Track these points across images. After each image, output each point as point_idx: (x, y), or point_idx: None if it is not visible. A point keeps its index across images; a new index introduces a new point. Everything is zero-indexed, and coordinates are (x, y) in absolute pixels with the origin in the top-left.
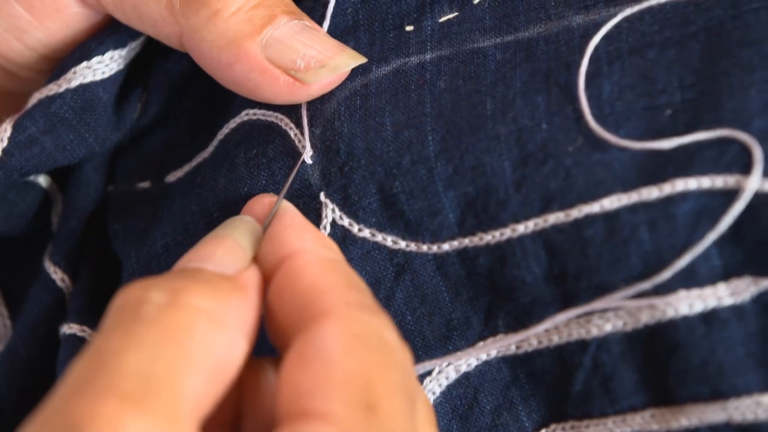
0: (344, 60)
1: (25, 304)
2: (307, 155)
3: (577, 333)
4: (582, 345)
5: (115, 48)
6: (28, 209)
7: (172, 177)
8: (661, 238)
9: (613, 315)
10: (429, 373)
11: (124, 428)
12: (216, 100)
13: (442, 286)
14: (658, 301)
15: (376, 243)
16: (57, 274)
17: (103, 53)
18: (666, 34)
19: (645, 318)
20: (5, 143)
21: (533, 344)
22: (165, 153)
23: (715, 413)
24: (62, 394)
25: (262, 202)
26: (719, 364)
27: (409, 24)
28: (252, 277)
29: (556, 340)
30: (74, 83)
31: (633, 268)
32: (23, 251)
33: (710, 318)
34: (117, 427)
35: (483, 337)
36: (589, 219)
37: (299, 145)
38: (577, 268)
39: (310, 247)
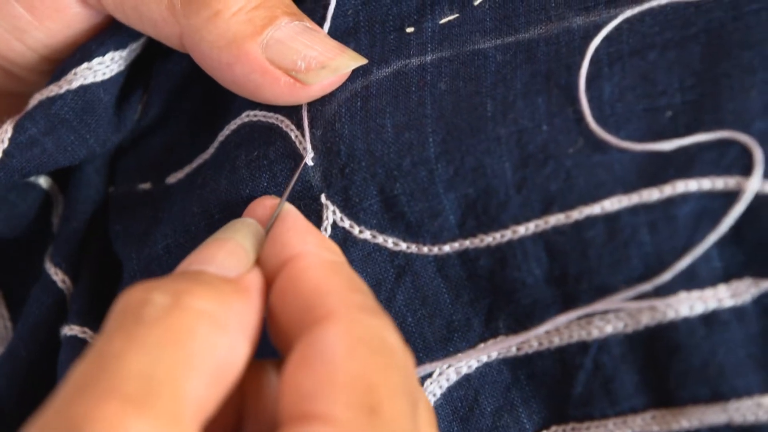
0: (345, 61)
1: (26, 306)
2: (309, 158)
3: (578, 335)
4: (583, 346)
5: (116, 49)
6: (29, 210)
7: (172, 178)
8: (661, 239)
9: (613, 316)
10: (429, 375)
11: (125, 430)
12: (216, 101)
13: (442, 287)
14: (659, 303)
15: (376, 245)
16: (58, 276)
17: (103, 54)
18: (666, 35)
19: (646, 319)
20: (6, 144)
21: (534, 346)
22: (165, 154)
23: (715, 415)
24: (64, 395)
25: (264, 204)
26: (720, 366)
27: (409, 25)
28: (254, 280)
29: (556, 341)
30: (75, 84)
31: (633, 269)
32: (24, 252)
33: (711, 319)
34: (119, 429)
35: (484, 339)
36: (590, 220)
37: (300, 147)
38: (578, 269)
39: (312, 249)
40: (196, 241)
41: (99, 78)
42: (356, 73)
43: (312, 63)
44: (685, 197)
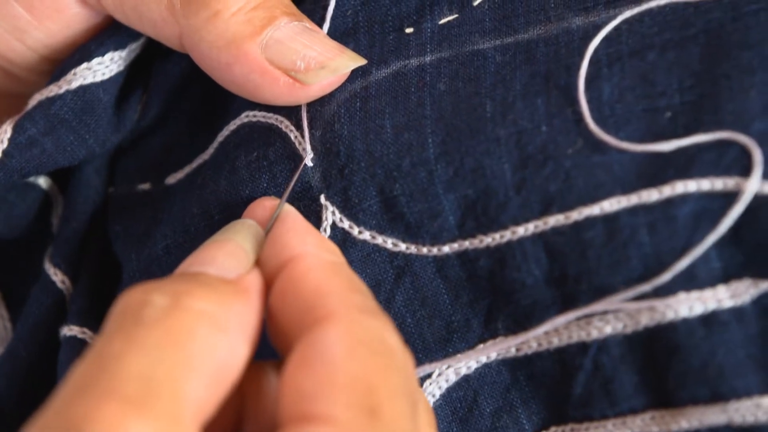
0: (344, 61)
1: (26, 306)
2: (308, 158)
3: (577, 335)
4: (582, 347)
5: (115, 49)
6: (29, 211)
7: (172, 179)
8: (660, 240)
9: (613, 317)
10: (429, 375)
11: (125, 431)
12: (215, 101)
13: (442, 288)
14: (658, 304)
15: (376, 245)
16: (57, 276)
17: (103, 54)
18: (666, 36)
19: (645, 320)
20: (5, 144)
21: (533, 347)
22: (165, 154)
23: (715, 415)
24: (63, 396)
25: (264, 205)
26: (719, 366)
27: (408, 26)
28: (254, 281)
29: (556, 342)
30: (74, 84)
31: (633, 270)
32: (23, 252)
33: (710, 320)
34: (118, 430)
35: (483, 340)
36: (589, 221)
37: (300, 148)
38: (577, 270)
39: (312, 250)
40: (196, 242)
41: (98, 78)
42: (355, 74)
43: (311, 63)
44: (684, 198)
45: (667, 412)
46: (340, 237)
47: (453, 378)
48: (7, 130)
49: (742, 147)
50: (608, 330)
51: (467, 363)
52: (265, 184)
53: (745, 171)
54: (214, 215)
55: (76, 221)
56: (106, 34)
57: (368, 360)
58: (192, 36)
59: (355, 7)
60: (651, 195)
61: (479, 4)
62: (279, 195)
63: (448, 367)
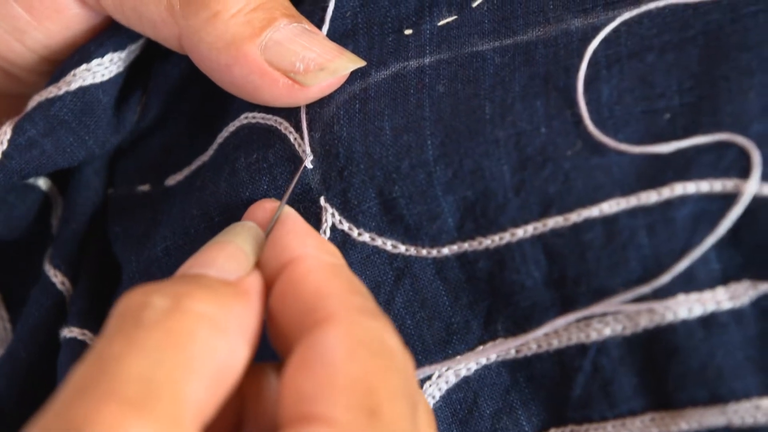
0: (343, 63)
1: (26, 307)
2: (308, 161)
3: (577, 337)
4: (581, 349)
5: (115, 50)
6: (28, 212)
7: (171, 180)
8: (660, 242)
9: (612, 319)
10: (429, 377)
11: None
12: (215, 103)
13: (441, 290)
14: (657, 306)
15: (375, 247)
16: (57, 278)
17: (102, 56)
18: (665, 38)
19: (644, 322)
20: (5, 146)
21: (533, 348)
22: (164, 155)
23: (714, 417)
24: (63, 398)
25: (264, 207)
26: (718, 368)
27: (407, 27)
28: (254, 283)
29: (555, 344)
30: (74, 86)
31: (632, 272)
32: (23, 254)
33: (709, 322)
34: (118, 431)
35: (483, 342)
36: (588, 223)
37: (299, 150)
38: (577, 272)
39: (312, 252)
40: (196, 244)
41: (98, 79)
42: (355, 76)
43: (310, 65)
44: (683, 200)
45: (667, 414)
46: (339, 239)
47: (453, 380)
48: (6, 132)
49: (741, 149)
50: (607, 332)
51: (467, 365)
52: (265, 186)
53: (744, 173)
54: (214, 217)
55: (75, 222)
56: (106, 35)
57: (368, 361)
58: (191, 37)
59: (354, 9)
60: (650, 197)
61: (478, 5)
62: (279, 197)
63: (448, 368)
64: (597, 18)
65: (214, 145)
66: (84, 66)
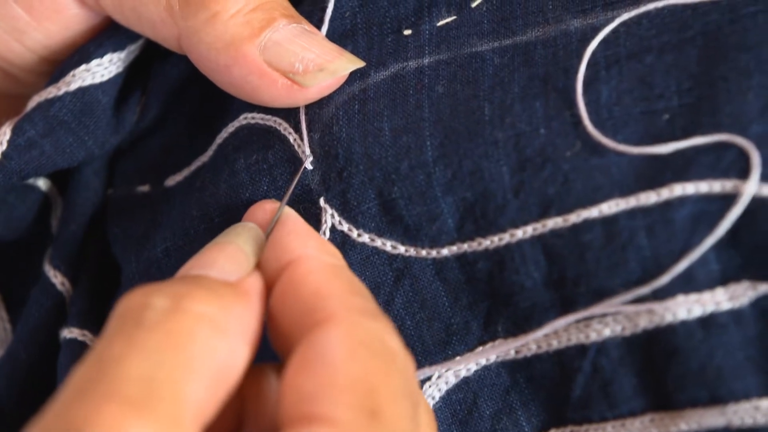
0: (343, 63)
1: (25, 308)
2: (308, 162)
3: (576, 338)
4: (581, 350)
5: (114, 51)
6: (28, 212)
7: (171, 181)
8: (659, 243)
9: (611, 320)
10: (428, 378)
11: None
12: (214, 103)
13: (441, 291)
14: (657, 306)
15: (375, 248)
16: (57, 278)
17: (102, 56)
18: (664, 38)
19: (644, 323)
20: (4, 146)
21: (532, 349)
22: (164, 156)
23: (713, 418)
24: (64, 398)
25: (264, 208)
26: (718, 369)
27: (407, 28)
28: (254, 284)
29: (555, 344)
30: (73, 86)
31: (631, 273)
32: (23, 254)
33: (708, 323)
34: (119, 431)
35: (482, 342)
36: (588, 224)
37: (299, 151)
38: (576, 273)
39: (313, 253)
40: (196, 245)
41: (97, 80)
42: (354, 76)
43: (310, 65)
44: (682, 200)
45: (666, 415)
46: (339, 240)
47: (452, 380)
48: (6, 132)
49: (740, 149)
50: (607, 332)
51: (467, 365)
52: (265, 187)
53: (743, 173)
54: (214, 218)
55: (75, 223)
56: (105, 35)
57: (369, 361)
58: (190, 37)
59: (353, 9)
60: (649, 197)
61: (477, 5)
62: (279, 198)
63: (448, 369)
64: (596, 18)
65: (214, 146)
66: (83, 66)
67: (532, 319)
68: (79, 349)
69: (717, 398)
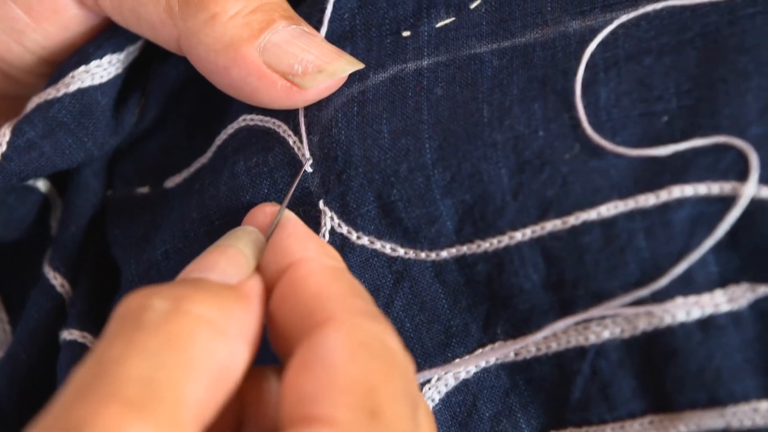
0: (342, 65)
1: (25, 309)
2: (308, 165)
3: (575, 340)
4: (580, 352)
5: (113, 52)
6: (28, 214)
7: (170, 182)
8: (657, 245)
9: (610, 322)
10: (428, 380)
11: None
12: (213, 104)
13: (440, 293)
14: (656, 308)
15: (374, 250)
16: (57, 280)
17: (101, 57)
18: (662, 40)
19: (642, 325)
20: (4, 148)
21: (532, 351)
22: (163, 157)
23: (713, 420)
24: (64, 399)
25: (264, 211)
26: (717, 371)
27: (406, 29)
28: (254, 286)
29: (554, 347)
30: (72, 88)
31: (630, 275)
32: (23, 256)
33: (707, 324)
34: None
35: (482, 345)
36: (586, 226)
37: (299, 154)
38: (575, 275)
39: (313, 255)
40: (195, 247)
41: (96, 81)
42: (353, 78)
43: (309, 67)
44: (681, 202)
45: (666, 417)
46: (338, 242)
47: (452, 382)
48: (5, 133)
49: (739, 151)
50: (606, 335)
51: (466, 368)
52: (265, 190)
53: (742, 175)
54: (214, 221)
55: (74, 224)
56: (104, 36)
57: (369, 363)
58: (190, 39)
59: (352, 11)
60: (648, 199)
61: (476, 7)
62: (280, 201)
63: (447, 371)
64: (595, 20)
65: (213, 147)
66: (82, 68)
67: (531, 322)
68: (78, 351)
69: (716, 400)
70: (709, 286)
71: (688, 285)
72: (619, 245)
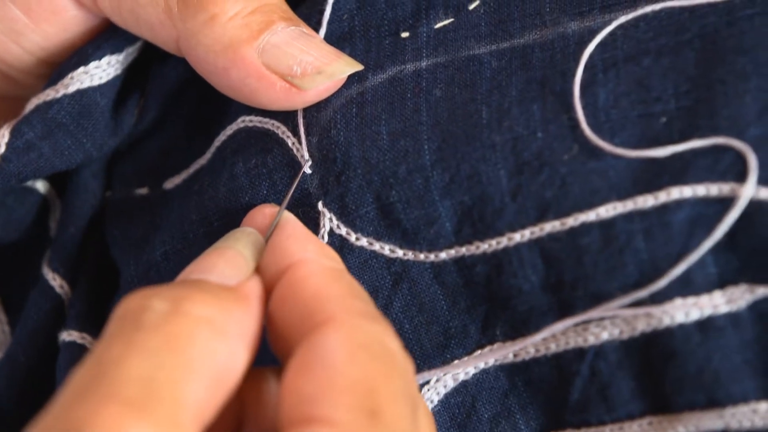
0: (341, 66)
1: (24, 310)
2: (307, 166)
3: (574, 341)
4: (579, 353)
5: (113, 53)
6: (27, 215)
7: (169, 184)
8: (656, 246)
9: (609, 323)
10: (427, 381)
11: None
12: (212, 106)
13: (439, 294)
14: (654, 310)
15: (373, 252)
16: (56, 281)
17: (100, 58)
18: (661, 41)
19: (641, 326)
20: (3, 149)
21: (531, 352)
22: (162, 158)
23: (711, 421)
24: (64, 400)
25: (264, 212)
26: (715, 372)
27: (404, 30)
28: (254, 288)
29: (553, 348)
30: (72, 88)
31: (629, 276)
32: (22, 257)
33: (706, 326)
34: None
35: (481, 346)
36: (585, 227)
37: (298, 155)
38: (574, 276)
39: (312, 256)
40: (195, 248)
41: (96, 82)
42: (352, 79)
43: (308, 68)
44: (679, 203)
45: (665, 418)
46: (337, 244)
47: (451, 384)
48: (4, 135)
49: (737, 152)
50: (605, 336)
51: (465, 369)
52: (265, 191)
53: (741, 176)
54: (213, 222)
55: (74, 225)
56: (103, 37)
57: (369, 363)
58: (189, 40)
59: (350, 12)
60: (646, 201)
61: (475, 8)
62: (279, 202)
63: (446, 373)
64: (593, 21)
65: (212, 149)
66: (82, 69)
67: (530, 323)
68: (78, 352)
69: (715, 401)
70: (707, 288)
71: (686, 286)
72: (618, 246)
